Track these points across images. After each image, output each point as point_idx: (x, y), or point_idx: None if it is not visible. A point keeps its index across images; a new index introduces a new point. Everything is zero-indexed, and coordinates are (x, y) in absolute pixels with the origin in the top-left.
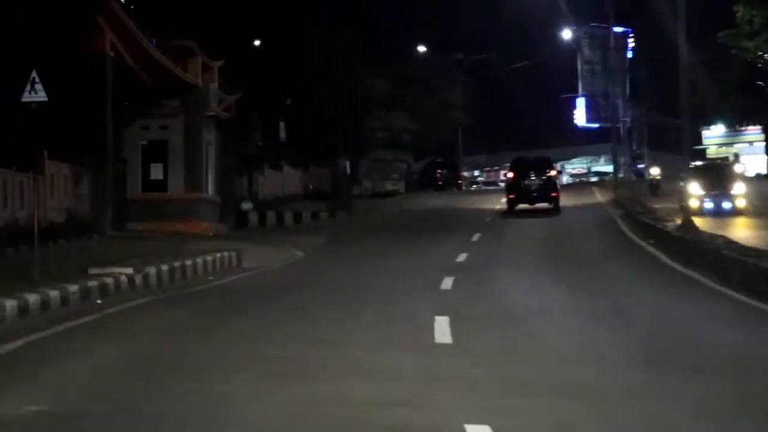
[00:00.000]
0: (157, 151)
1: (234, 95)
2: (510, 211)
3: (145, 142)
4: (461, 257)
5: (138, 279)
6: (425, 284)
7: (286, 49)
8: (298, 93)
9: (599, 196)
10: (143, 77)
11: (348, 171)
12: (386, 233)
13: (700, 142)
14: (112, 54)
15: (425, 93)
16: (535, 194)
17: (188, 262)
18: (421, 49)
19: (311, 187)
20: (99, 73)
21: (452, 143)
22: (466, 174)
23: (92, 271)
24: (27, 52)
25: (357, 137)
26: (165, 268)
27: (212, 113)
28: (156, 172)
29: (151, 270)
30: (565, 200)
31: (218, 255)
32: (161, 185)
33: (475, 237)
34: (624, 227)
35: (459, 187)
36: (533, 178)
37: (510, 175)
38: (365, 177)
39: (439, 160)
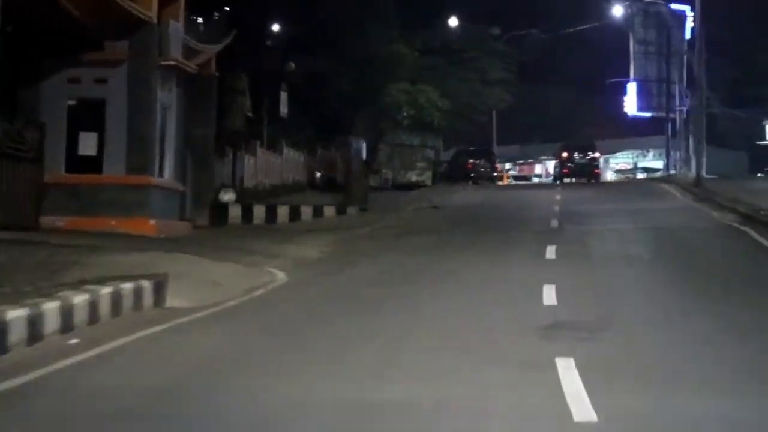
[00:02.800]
0: (89, 115)
1: (215, 46)
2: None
3: (72, 102)
4: (546, 296)
5: None
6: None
7: None
8: (306, 54)
9: (680, 196)
10: (68, 5)
11: (363, 156)
12: (412, 242)
13: (764, 137)
14: None
15: (459, 65)
16: (581, 170)
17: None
18: (454, 20)
19: (319, 174)
20: None
21: (486, 129)
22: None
23: None
24: None
25: (376, 114)
26: None
27: (172, 63)
28: (87, 144)
29: None
30: (642, 202)
31: (109, 290)
32: (94, 164)
33: (550, 253)
34: (758, 237)
35: (495, 180)
36: (580, 156)
37: (564, 154)
38: (385, 165)
39: (472, 148)
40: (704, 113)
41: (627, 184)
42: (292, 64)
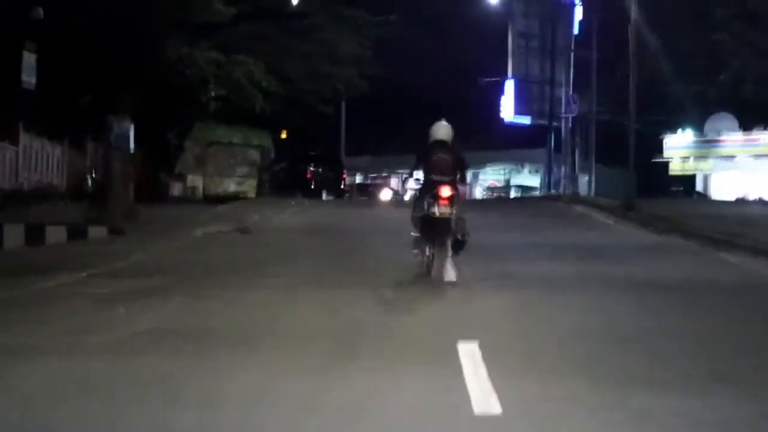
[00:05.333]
0: None
1: None
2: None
3: None
4: None
5: None
6: None
7: None
8: None
9: (612, 222)
10: None
11: (130, 146)
12: (136, 321)
13: (659, 151)
14: None
15: (299, 35)
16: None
17: None
18: None
19: (92, 177)
20: None
21: (333, 132)
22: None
23: None
24: None
25: (158, 89)
26: None
27: None
28: None
29: None
30: (565, 231)
31: None
32: None
33: (472, 375)
34: None
35: (342, 194)
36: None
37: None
38: (193, 169)
39: (313, 152)
40: (594, 122)
41: (524, 203)
42: (41, 10)
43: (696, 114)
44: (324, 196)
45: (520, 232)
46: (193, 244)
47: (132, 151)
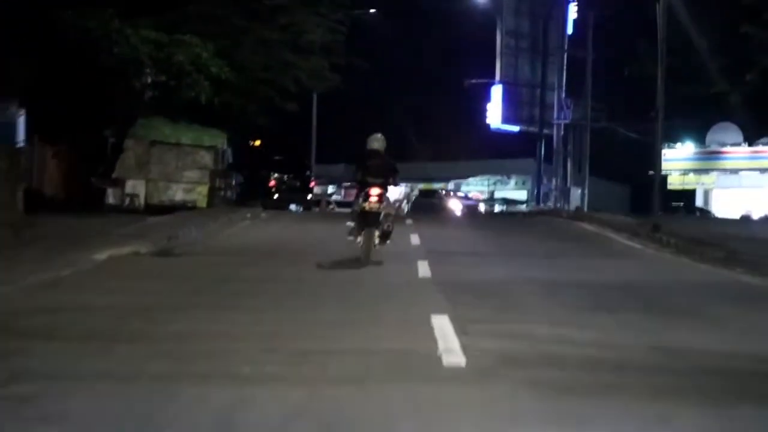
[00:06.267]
0: None
1: None
2: None
3: None
4: None
5: None
6: None
7: None
8: None
9: (639, 246)
10: None
11: (18, 136)
12: None
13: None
14: None
15: (260, 18)
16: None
17: None
18: None
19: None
20: None
21: (303, 131)
22: (317, 190)
23: None
24: None
25: (75, 70)
26: None
27: None
28: None
29: None
30: (584, 260)
31: None
32: None
33: None
34: None
35: (310, 205)
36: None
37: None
38: (134, 173)
39: (278, 157)
40: (588, 129)
41: (516, 219)
42: None
43: (699, 122)
44: (293, 207)
45: (526, 262)
46: (79, 274)
47: (21, 144)
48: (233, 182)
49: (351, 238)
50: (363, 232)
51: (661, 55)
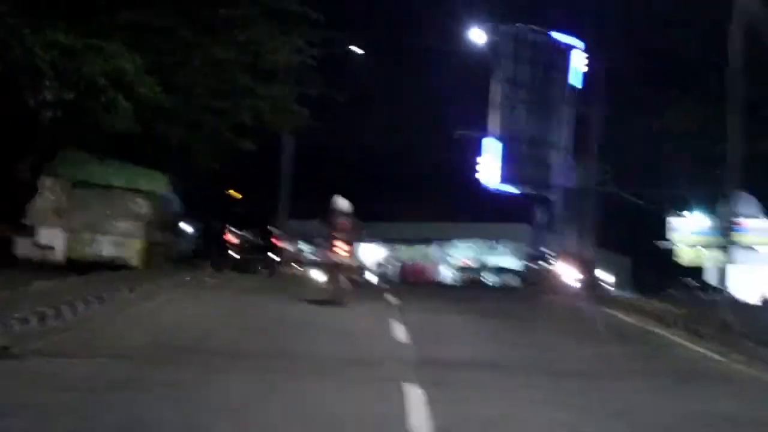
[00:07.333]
0: None
1: None
2: None
3: None
4: None
5: None
6: None
7: None
8: None
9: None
10: None
11: None
12: None
13: (662, 235)
14: None
15: (212, 34)
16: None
17: None
18: None
19: None
20: None
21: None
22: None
23: None
24: None
25: None
26: None
27: None
28: None
29: None
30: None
31: None
32: None
33: None
34: None
35: (274, 268)
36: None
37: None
38: (50, 222)
39: (236, 209)
40: (593, 194)
41: (524, 300)
42: None
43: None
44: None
45: (581, 397)
46: None
47: None
48: (181, 236)
49: (326, 286)
50: (333, 280)
51: (732, 86)
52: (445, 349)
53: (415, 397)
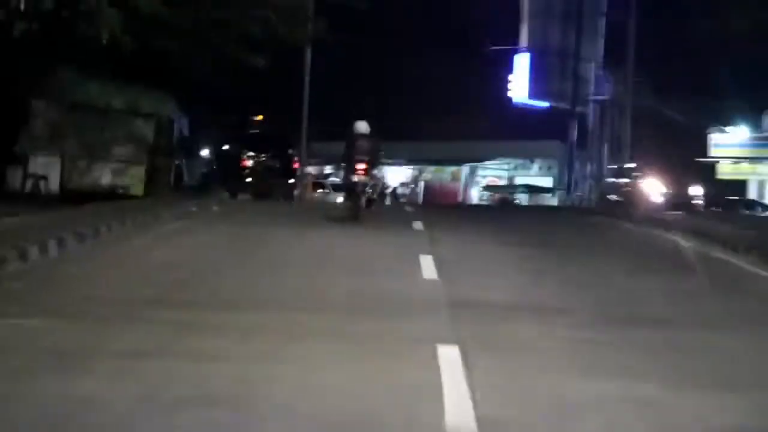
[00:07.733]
0: None
1: None
2: None
3: None
4: None
5: None
6: None
7: None
8: None
9: None
10: None
11: None
12: None
13: (704, 153)
14: None
15: None
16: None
17: None
18: None
19: None
20: None
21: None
22: (311, 169)
23: None
24: None
25: None
26: None
27: None
28: None
29: None
30: None
31: None
32: None
33: None
34: None
35: (291, 192)
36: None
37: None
38: (45, 149)
39: (254, 130)
40: (630, 108)
41: (564, 219)
42: None
43: (756, 103)
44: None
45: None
46: None
47: None
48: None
49: (345, 205)
50: (350, 198)
51: None
52: (479, 286)
53: (449, 360)
